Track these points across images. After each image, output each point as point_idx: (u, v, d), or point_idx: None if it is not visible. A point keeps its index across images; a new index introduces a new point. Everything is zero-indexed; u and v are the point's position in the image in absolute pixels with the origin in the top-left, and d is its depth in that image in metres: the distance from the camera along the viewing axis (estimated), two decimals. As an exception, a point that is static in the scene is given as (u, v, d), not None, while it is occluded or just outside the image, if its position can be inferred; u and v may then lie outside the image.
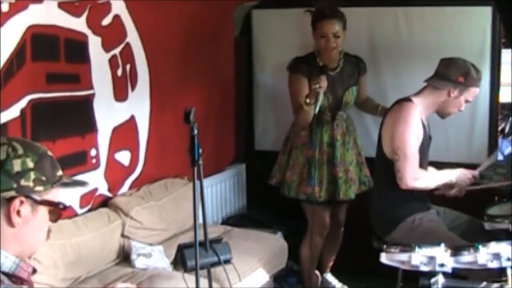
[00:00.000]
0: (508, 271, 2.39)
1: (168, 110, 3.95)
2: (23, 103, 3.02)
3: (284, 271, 4.30)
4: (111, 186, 3.67)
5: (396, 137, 3.18)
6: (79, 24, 3.33)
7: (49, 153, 1.57)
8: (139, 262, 3.48)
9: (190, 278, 2.45)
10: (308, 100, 3.76)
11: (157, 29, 3.88)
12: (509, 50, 4.32)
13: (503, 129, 5.11)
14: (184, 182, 4.10)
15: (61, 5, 3.19)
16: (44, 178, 1.52)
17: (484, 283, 2.44)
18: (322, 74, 3.78)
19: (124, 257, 3.58)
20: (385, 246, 2.61)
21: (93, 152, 3.50)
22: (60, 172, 1.58)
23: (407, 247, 2.53)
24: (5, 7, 2.85)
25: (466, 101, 3.28)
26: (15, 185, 1.47)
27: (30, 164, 1.50)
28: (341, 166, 3.99)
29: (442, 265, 2.42)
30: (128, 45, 3.69)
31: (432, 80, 3.27)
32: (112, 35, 3.57)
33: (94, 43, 3.45)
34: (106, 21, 3.52)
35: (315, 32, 3.92)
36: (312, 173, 3.97)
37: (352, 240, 4.22)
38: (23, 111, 3.02)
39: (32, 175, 1.50)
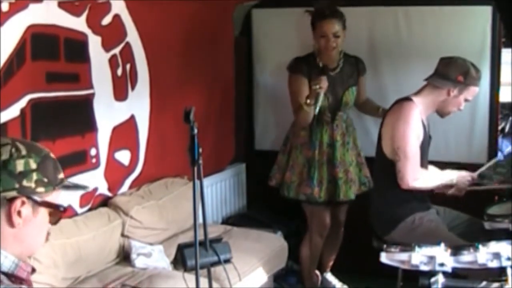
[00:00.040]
0: (508, 270, 2.40)
1: (168, 110, 3.95)
2: (23, 102, 3.02)
3: (284, 270, 4.30)
4: (111, 185, 3.67)
5: (396, 137, 3.18)
6: (79, 23, 3.33)
7: (52, 155, 1.57)
8: (139, 262, 3.48)
9: (190, 277, 2.45)
10: (308, 101, 3.76)
11: (157, 28, 3.88)
12: (509, 50, 4.32)
13: (503, 129, 5.12)
14: (184, 181, 4.10)
15: (61, 5, 3.19)
16: (46, 180, 1.52)
17: (484, 283, 2.44)
18: (323, 74, 3.78)
19: (124, 256, 3.58)
20: (385, 246, 2.62)
21: (93, 152, 3.50)
22: (61, 175, 1.57)
23: (407, 246, 2.53)
24: (5, 7, 2.85)
25: (466, 100, 3.28)
26: (17, 185, 1.47)
27: (33, 165, 1.50)
28: (341, 167, 3.99)
29: (442, 264, 2.43)
30: (128, 45, 3.69)
31: (431, 79, 3.27)
32: (112, 35, 3.57)
33: (94, 42, 3.45)
34: (106, 20, 3.52)
35: (315, 32, 3.92)
36: (312, 173, 3.97)
37: (352, 240, 4.22)
38: (23, 111, 3.02)
39: (35, 176, 1.50)
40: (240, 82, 4.76)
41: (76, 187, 1.65)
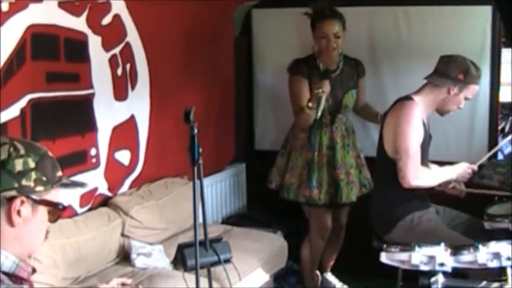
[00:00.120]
0: (508, 270, 2.40)
1: (168, 110, 3.95)
2: (23, 102, 3.02)
3: (284, 270, 4.30)
4: (111, 185, 3.67)
5: (398, 136, 3.18)
6: (79, 23, 3.33)
7: (50, 153, 1.57)
8: (139, 262, 3.48)
9: (190, 277, 2.45)
10: (310, 104, 3.76)
11: (157, 28, 3.88)
12: (509, 50, 4.32)
13: (503, 129, 5.12)
14: (184, 181, 4.10)
15: (61, 5, 3.19)
16: (44, 178, 1.52)
17: (484, 283, 2.44)
18: (325, 78, 3.77)
19: (124, 256, 3.58)
20: (385, 246, 2.62)
21: (93, 152, 3.50)
22: (60, 173, 1.58)
23: (407, 246, 2.53)
24: (5, 7, 2.85)
25: (466, 98, 3.28)
26: (16, 185, 1.48)
27: (32, 164, 1.50)
28: (342, 169, 3.98)
29: (442, 264, 2.43)
30: (128, 45, 3.69)
31: (431, 78, 3.28)
32: (112, 35, 3.57)
33: (94, 42, 3.45)
34: (106, 20, 3.52)
35: (315, 33, 3.91)
36: (311, 175, 3.97)
37: (352, 240, 4.22)
38: (23, 111, 3.02)
39: (33, 175, 1.50)
40: (240, 82, 4.76)
41: (74, 184, 1.65)
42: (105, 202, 3.64)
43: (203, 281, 2.42)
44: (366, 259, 3.05)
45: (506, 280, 2.39)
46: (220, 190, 4.63)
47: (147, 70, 3.85)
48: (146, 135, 3.90)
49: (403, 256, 2.52)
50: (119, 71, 3.65)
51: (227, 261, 2.56)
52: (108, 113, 3.59)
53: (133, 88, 3.76)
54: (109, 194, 3.67)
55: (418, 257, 2.47)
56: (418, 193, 3.27)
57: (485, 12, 4.09)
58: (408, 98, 3.27)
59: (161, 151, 4.00)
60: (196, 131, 2.30)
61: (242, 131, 4.85)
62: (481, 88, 3.51)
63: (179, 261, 2.51)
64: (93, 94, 3.47)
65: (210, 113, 4.42)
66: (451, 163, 3.55)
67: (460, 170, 3.36)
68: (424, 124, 3.25)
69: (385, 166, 3.28)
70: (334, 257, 4.31)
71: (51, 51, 3.19)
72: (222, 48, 4.54)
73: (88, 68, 3.42)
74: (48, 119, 3.17)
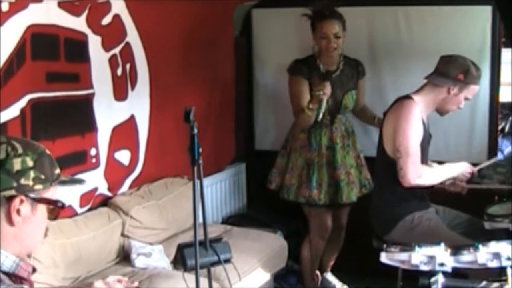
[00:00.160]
0: (508, 270, 2.39)
1: (168, 110, 3.95)
2: (23, 102, 3.02)
3: (284, 270, 4.29)
4: (111, 185, 3.67)
5: (397, 135, 3.18)
6: (79, 23, 3.33)
7: (47, 151, 1.58)
8: (139, 262, 3.48)
9: (190, 277, 2.45)
10: (311, 106, 3.76)
11: (157, 28, 3.88)
12: (509, 50, 4.32)
13: (503, 129, 5.12)
14: (184, 181, 4.10)
15: (61, 5, 3.19)
16: (43, 177, 1.52)
17: (484, 283, 2.44)
18: (326, 80, 3.77)
19: (124, 256, 3.58)
20: (385, 246, 2.61)
21: (93, 152, 3.50)
22: (58, 170, 1.59)
23: (407, 246, 2.53)
24: (5, 7, 2.85)
25: (466, 98, 3.28)
26: (15, 184, 1.48)
27: (30, 163, 1.50)
28: (342, 169, 3.98)
29: (442, 264, 2.42)
30: (128, 45, 3.69)
31: (432, 77, 3.27)
32: (112, 35, 3.57)
33: (94, 42, 3.45)
34: (106, 20, 3.52)
35: (315, 33, 3.91)
36: (311, 176, 3.97)
37: (352, 240, 4.22)
38: (23, 111, 3.02)
39: (32, 174, 1.50)
40: (240, 82, 4.76)
41: (72, 181, 1.66)
42: (105, 202, 3.64)
43: (203, 281, 2.42)
44: (366, 259, 3.05)
45: (506, 280, 2.39)
46: (220, 190, 4.63)
47: (147, 70, 3.85)
48: (146, 135, 3.90)
49: (403, 256, 2.52)
50: (119, 71, 3.65)
51: (227, 261, 2.56)
52: (108, 113, 3.59)
53: (133, 88, 3.76)
54: (109, 194, 3.67)
55: (418, 257, 2.47)
56: (418, 193, 3.27)
57: (485, 12, 4.09)
58: (407, 97, 3.27)
59: (161, 151, 4.00)
60: (196, 131, 2.30)
61: (242, 131, 4.85)
62: (481, 88, 3.51)
63: (179, 261, 2.51)
64: (93, 94, 3.47)
65: (210, 113, 4.42)
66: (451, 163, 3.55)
67: (460, 169, 3.36)
68: (423, 123, 3.25)
69: (385, 165, 3.28)
70: (334, 257, 4.31)
71: (51, 51, 3.19)
72: (222, 48, 4.54)
73: (88, 68, 3.42)
74: (48, 119, 3.18)
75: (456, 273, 2.56)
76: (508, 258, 2.39)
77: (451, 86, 3.21)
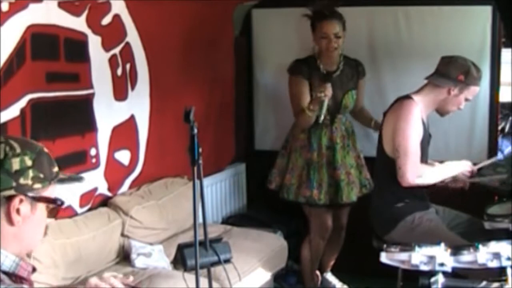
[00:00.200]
0: (508, 270, 2.39)
1: (168, 110, 3.95)
2: (23, 102, 3.02)
3: (284, 270, 4.29)
4: (111, 185, 3.67)
5: (397, 135, 3.18)
6: (79, 23, 3.33)
7: (45, 149, 1.58)
8: (139, 262, 3.48)
9: (190, 277, 2.45)
10: (311, 107, 3.76)
11: (157, 28, 3.88)
12: (509, 50, 4.33)
13: (503, 129, 5.13)
14: (184, 181, 4.10)
15: (61, 5, 3.19)
16: (42, 176, 1.53)
17: (484, 283, 2.44)
18: (327, 81, 3.77)
19: (124, 256, 3.58)
20: (385, 246, 2.61)
21: (93, 152, 3.50)
22: (56, 168, 1.59)
23: (407, 246, 2.53)
24: (5, 7, 2.85)
25: (466, 99, 3.28)
26: (14, 184, 1.48)
27: (28, 162, 1.51)
28: (342, 169, 3.98)
29: (442, 264, 2.42)
30: (128, 45, 3.69)
31: (432, 78, 3.27)
32: (112, 35, 3.57)
33: (94, 42, 3.45)
34: (106, 20, 3.52)
35: (315, 33, 3.91)
36: (311, 175, 3.97)
37: (352, 240, 4.22)
38: (23, 111, 3.02)
39: (31, 173, 1.51)
40: (240, 82, 4.76)
41: (71, 179, 1.66)
42: (105, 202, 3.64)
43: (203, 281, 2.42)
44: (366, 259, 3.05)
45: (506, 280, 2.39)
46: (220, 190, 4.63)
47: (147, 70, 3.85)
48: (146, 135, 3.90)
49: (403, 256, 2.51)
50: (119, 71, 3.65)
51: (227, 261, 2.56)
52: (108, 113, 3.58)
53: (133, 88, 3.76)
54: (109, 194, 3.67)
55: (418, 257, 2.46)
56: (418, 193, 3.27)
57: (485, 12, 4.09)
58: (407, 97, 3.27)
59: (161, 151, 4.00)
60: (196, 131, 2.30)
61: (242, 131, 4.85)
62: (481, 88, 3.50)
63: (179, 261, 2.51)
64: (93, 94, 3.47)
65: (210, 113, 4.42)
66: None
67: (461, 168, 3.36)
68: (423, 123, 3.25)
69: (385, 165, 3.28)
70: (334, 257, 4.31)
71: (51, 51, 3.19)
72: (222, 48, 4.54)
73: (88, 68, 3.42)
74: (48, 119, 3.17)
75: (456, 273, 2.56)
76: (508, 258, 2.39)
77: (452, 86, 3.21)
